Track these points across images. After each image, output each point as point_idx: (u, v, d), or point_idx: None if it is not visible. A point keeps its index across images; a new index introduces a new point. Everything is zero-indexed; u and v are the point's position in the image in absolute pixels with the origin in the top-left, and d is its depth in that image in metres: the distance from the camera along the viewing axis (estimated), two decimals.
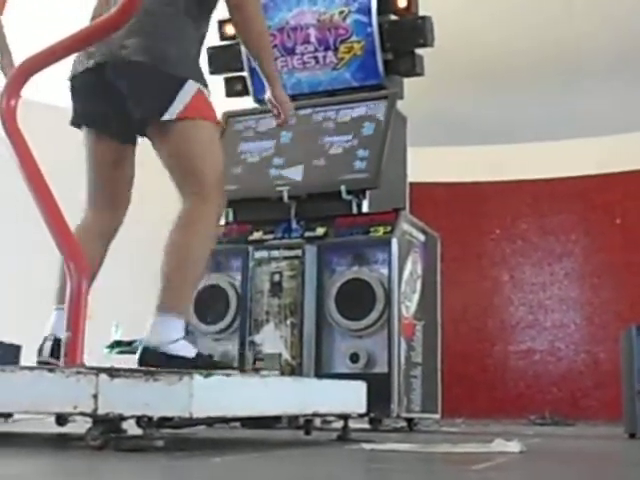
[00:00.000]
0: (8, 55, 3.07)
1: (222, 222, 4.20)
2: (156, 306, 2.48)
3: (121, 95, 2.54)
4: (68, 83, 2.66)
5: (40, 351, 2.48)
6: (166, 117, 2.50)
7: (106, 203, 2.70)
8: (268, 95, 2.89)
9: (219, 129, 2.72)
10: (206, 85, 2.62)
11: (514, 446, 2.14)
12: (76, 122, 2.70)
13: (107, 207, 2.70)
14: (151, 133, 2.60)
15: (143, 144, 2.74)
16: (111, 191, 2.71)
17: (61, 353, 2.21)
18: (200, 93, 2.57)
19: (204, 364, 2.40)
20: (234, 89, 4.93)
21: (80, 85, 2.63)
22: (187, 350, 2.47)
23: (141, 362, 2.44)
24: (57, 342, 2.45)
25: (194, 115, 2.55)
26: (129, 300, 6.90)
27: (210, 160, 2.59)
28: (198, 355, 2.52)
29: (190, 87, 2.55)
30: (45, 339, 2.53)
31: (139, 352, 2.49)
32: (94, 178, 2.71)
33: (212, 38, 4.62)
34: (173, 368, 2.23)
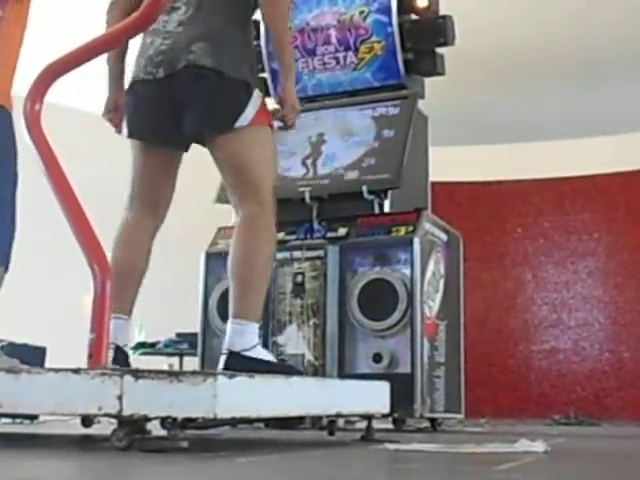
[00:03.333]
0: None
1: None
2: (233, 313, 2.60)
3: (186, 102, 2.58)
4: (128, 90, 2.71)
5: None
6: (238, 124, 2.58)
7: (150, 205, 2.75)
8: (279, 91, 2.95)
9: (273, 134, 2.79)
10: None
11: (539, 446, 2.12)
12: (131, 135, 2.74)
13: (151, 209, 2.76)
14: (214, 140, 2.64)
15: None
16: (157, 195, 2.76)
17: (126, 360, 2.31)
18: (264, 100, 2.69)
19: (283, 369, 2.62)
20: None
21: (145, 94, 2.67)
22: (266, 354, 2.64)
23: (227, 367, 2.55)
24: (117, 350, 2.57)
25: (263, 122, 2.65)
26: (153, 302, 6.93)
27: (268, 167, 2.68)
28: (280, 361, 2.65)
29: (258, 94, 2.65)
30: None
31: (224, 358, 2.59)
32: (140, 183, 2.75)
33: None
34: (259, 371, 2.36)
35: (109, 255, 2.36)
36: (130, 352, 2.74)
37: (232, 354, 2.56)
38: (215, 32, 2.62)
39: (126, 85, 2.77)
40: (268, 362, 2.58)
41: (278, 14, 2.74)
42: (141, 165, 2.75)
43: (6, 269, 2.82)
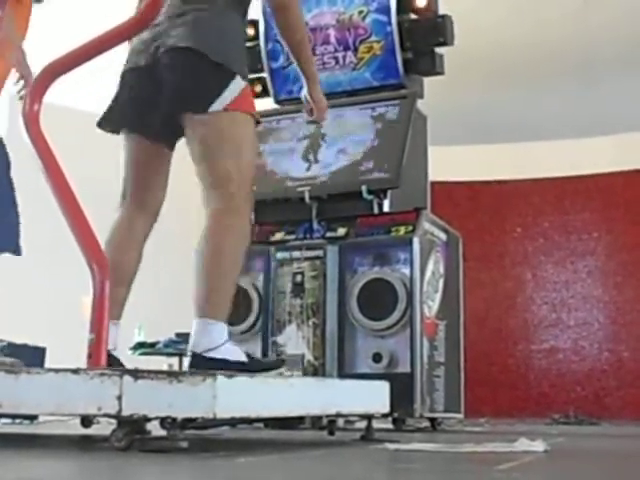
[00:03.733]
0: (27, 71, 3.08)
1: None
2: (196, 311, 2.47)
3: (167, 88, 2.52)
4: (119, 79, 2.65)
5: None
6: (213, 108, 2.49)
7: (141, 203, 2.70)
8: (304, 92, 2.90)
9: (255, 125, 2.65)
10: (249, 82, 2.65)
11: (538, 445, 2.12)
12: (117, 125, 2.68)
13: (141, 207, 2.69)
14: (188, 124, 2.56)
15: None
16: (147, 192, 2.71)
17: (120, 363, 2.27)
18: (247, 88, 2.59)
19: (255, 367, 2.41)
20: (254, 90, 4.93)
21: (128, 84, 2.63)
22: (236, 354, 2.46)
23: (191, 368, 2.42)
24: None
25: (240, 109, 2.54)
26: (152, 302, 6.94)
27: (241, 159, 2.55)
28: (249, 357, 2.52)
29: (240, 81, 2.56)
30: None
31: (189, 359, 2.48)
32: (130, 180, 2.71)
33: None
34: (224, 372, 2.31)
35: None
36: (118, 355, 2.64)
37: (194, 356, 2.43)
38: (200, 18, 2.55)
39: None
40: (234, 362, 2.39)
41: (291, 23, 2.71)
42: (129, 160, 2.68)
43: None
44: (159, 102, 2.55)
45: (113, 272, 2.30)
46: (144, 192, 2.70)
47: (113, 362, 2.44)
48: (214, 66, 2.51)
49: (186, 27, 2.53)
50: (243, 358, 2.47)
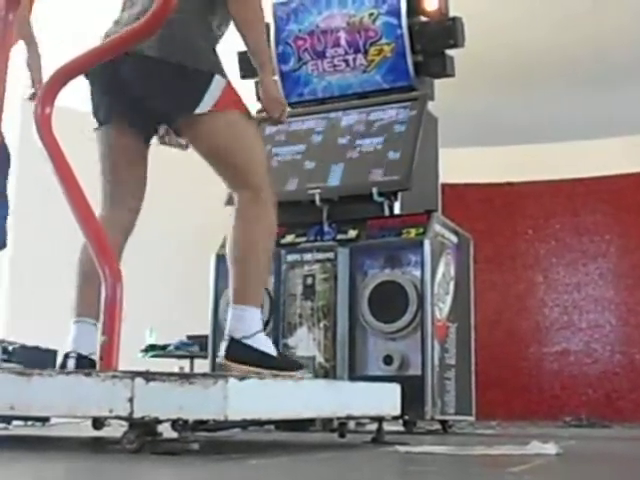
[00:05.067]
0: (38, 71, 3.09)
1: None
2: (233, 299, 2.57)
3: (138, 91, 2.53)
4: (87, 79, 2.63)
5: (62, 369, 2.44)
6: (198, 111, 2.49)
7: (117, 199, 2.67)
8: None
9: (254, 120, 2.68)
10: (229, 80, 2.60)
11: (550, 448, 2.12)
12: (97, 121, 2.68)
13: (119, 203, 2.67)
14: (185, 129, 2.60)
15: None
16: (122, 187, 2.68)
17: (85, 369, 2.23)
18: (229, 86, 2.57)
19: (285, 365, 2.55)
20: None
21: (97, 81, 2.61)
22: (269, 346, 2.57)
23: (228, 354, 2.52)
24: (81, 359, 2.44)
25: (227, 107, 2.54)
26: (163, 304, 6.95)
27: (251, 153, 2.61)
28: (279, 353, 2.64)
29: (220, 80, 2.54)
30: (67, 356, 2.50)
31: (225, 344, 2.56)
32: (104, 177, 2.69)
33: (242, 42, 4.64)
34: (261, 364, 2.43)
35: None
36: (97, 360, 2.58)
37: (233, 341, 2.53)
38: (168, 23, 2.34)
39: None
40: (269, 356, 2.52)
41: (243, 7, 2.61)
42: (107, 157, 2.67)
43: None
44: (128, 99, 2.55)
45: (88, 270, 2.29)
46: (120, 186, 2.68)
47: (83, 367, 2.38)
48: (188, 71, 2.50)
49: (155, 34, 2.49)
50: (273, 351, 2.57)
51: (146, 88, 2.54)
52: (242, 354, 2.47)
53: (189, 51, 2.53)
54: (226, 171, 2.62)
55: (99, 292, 2.29)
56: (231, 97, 2.58)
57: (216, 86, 2.53)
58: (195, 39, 2.56)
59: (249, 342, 2.51)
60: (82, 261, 2.56)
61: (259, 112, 2.88)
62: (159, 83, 2.54)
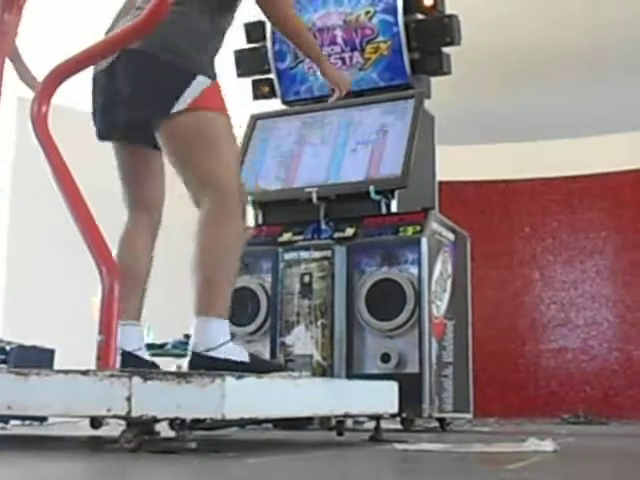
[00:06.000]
0: (28, 73, 3.08)
1: (250, 221, 4.22)
2: (195, 310, 2.44)
3: (126, 93, 2.49)
4: (92, 83, 2.63)
5: None
6: (175, 109, 2.43)
7: (139, 204, 2.70)
8: (319, 75, 3.02)
9: (230, 122, 2.58)
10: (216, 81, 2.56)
11: (548, 445, 2.12)
12: (101, 137, 2.67)
13: (141, 207, 2.69)
14: (158, 129, 2.53)
15: None
16: (142, 194, 2.71)
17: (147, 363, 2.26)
18: (211, 86, 2.51)
19: (258, 367, 2.32)
20: (261, 91, 4.93)
21: (95, 88, 2.61)
22: (238, 353, 2.43)
23: (191, 368, 2.37)
24: (125, 355, 2.40)
25: (206, 107, 2.48)
26: (160, 303, 6.94)
27: (219, 155, 2.50)
28: (252, 357, 2.49)
29: (203, 80, 2.49)
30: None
31: (188, 358, 2.44)
32: (123, 183, 2.72)
33: (239, 41, 4.64)
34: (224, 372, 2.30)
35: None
36: (144, 355, 2.65)
37: (194, 355, 2.39)
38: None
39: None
40: (235, 362, 2.36)
41: (278, 13, 2.71)
42: (118, 164, 2.70)
43: None
44: (120, 106, 2.52)
45: (130, 279, 2.30)
46: (139, 194, 2.70)
47: (137, 363, 2.40)
48: (169, 66, 2.46)
49: None
50: (245, 358, 2.44)
51: (133, 82, 2.49)
52: (204, 366, 2.23)
53: (176, 50, 2.48)
54: (192, 172, 2.50)
55: (133, 292, 2.46)
56: (211, 98, 2.51)
57: (197, 86, 2.47)
58: (186, 37, 2.52)
59: (213, 354, 2.37)
60: (122, 258, 2.52)
61: (338, 99, 3.10)
62: (145, 77, 2.49)
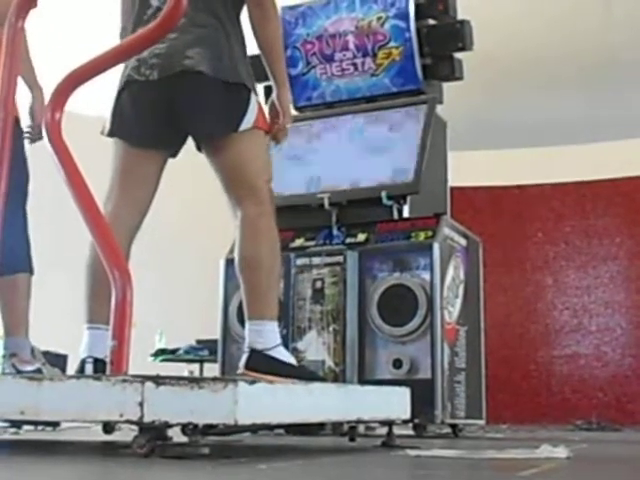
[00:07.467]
0: (38, 90, 3.10)
1: None
2: (248, 315, 2.61)
3: (185, 108, 2.57)
4: (121, 90, 2.65)
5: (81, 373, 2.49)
6: (242, 127, 2.59)
7: (129, 199, 2.69)
8: (272, 97, 2.86)
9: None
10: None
11: (561, 452, 2.11)
12: (116, 134, 2.69)
13: (130, 202, 2.69)
14: (216, 143, 2.65)
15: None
16: (136, 193, 2.70)
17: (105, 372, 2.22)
18: (259, 104, 2.67)
19: (304, 374, 2.56)
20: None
21: (137, 95, 2.63)
22: (288, 356, 2.63)
23: (248, 366, 2.55)
24: (97, 362, 2.49)
25: (263, 125, 2.67)
26: (173, 309, 6.96)
27: (264, 168, 2.70)
28: (301, 366, 2.65)
29: (254, 97, 2.65)
30: (84, 362, 2.56)
31: (245, 356, 2.59)
32: (120, 181, 2.70)
33: (250, 47, 4.64)
34: (280, 372, 2.44)
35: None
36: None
37: (254, 352, 2.56)
38: (210, 36, 2.59)
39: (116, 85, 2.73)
40: (290, 365, 2.58)
41: (267, 15, 2.72)
42: (123, 165, 2.69)
43: (31, 273, 2.90)
44: (173, 120, 2.60)
45: (100, 273, 2.25)
46: (134, 192, 2.69)
47: (100, 371, 2.39)
48: (234, 88, 2.59)
49: (201, 48, 2.57)
50: (294, 362, 2.63)
51: (194, 104, 2.59)
52: (263, 363, 2.51)
53: (234, 69, 2.61)
54: (240, 185, 2.65)
55: (110, 296, 2.28)
56: (263, 115, 2.70)
57: (254, 103, 2.64)
58: (238, 55, 2.65)
59: (271, 353, 2.55)
60: (90, 265, 2.57)
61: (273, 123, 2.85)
62: (207, 100, 2.59)
